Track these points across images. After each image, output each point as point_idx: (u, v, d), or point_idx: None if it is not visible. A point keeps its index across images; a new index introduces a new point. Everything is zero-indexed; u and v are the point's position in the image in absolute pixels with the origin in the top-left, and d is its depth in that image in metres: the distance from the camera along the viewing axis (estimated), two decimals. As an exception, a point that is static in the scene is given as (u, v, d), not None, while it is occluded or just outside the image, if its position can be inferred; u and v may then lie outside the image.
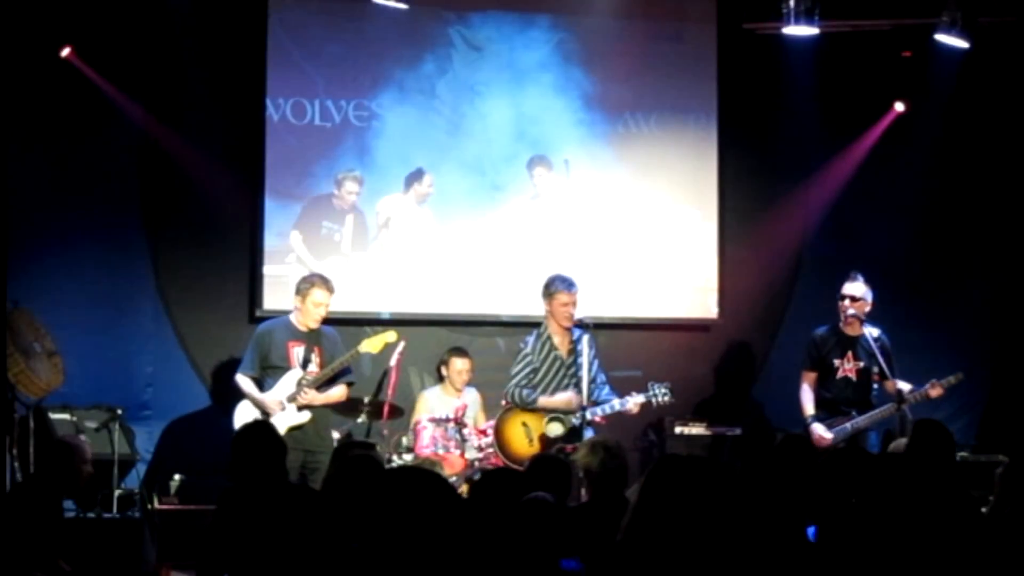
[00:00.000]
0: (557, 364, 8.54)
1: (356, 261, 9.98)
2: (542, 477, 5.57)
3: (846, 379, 8.79)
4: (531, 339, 8.61)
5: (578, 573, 4.53)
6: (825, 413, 8.73)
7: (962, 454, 9.43)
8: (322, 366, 8.36)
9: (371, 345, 8.55)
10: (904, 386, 8.60)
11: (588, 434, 8.03)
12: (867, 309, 8.81)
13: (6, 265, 9.19)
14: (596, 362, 8.54)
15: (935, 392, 8.58)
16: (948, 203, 10.84)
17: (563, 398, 8.45)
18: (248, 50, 9.77)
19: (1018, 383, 10.65)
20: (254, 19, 9.77)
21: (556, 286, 8.56)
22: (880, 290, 10.17)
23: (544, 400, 8.48)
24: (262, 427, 5.83)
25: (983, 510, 5.47)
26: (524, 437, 8.48)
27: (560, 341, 8.57)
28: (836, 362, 8.80)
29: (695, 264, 10.48)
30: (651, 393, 8.40)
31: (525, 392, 8.50)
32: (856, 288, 8.81)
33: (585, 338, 8.40)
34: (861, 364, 8.76)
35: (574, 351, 8.51)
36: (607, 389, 8.57)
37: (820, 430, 8.61)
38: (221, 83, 9.71)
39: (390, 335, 8.62)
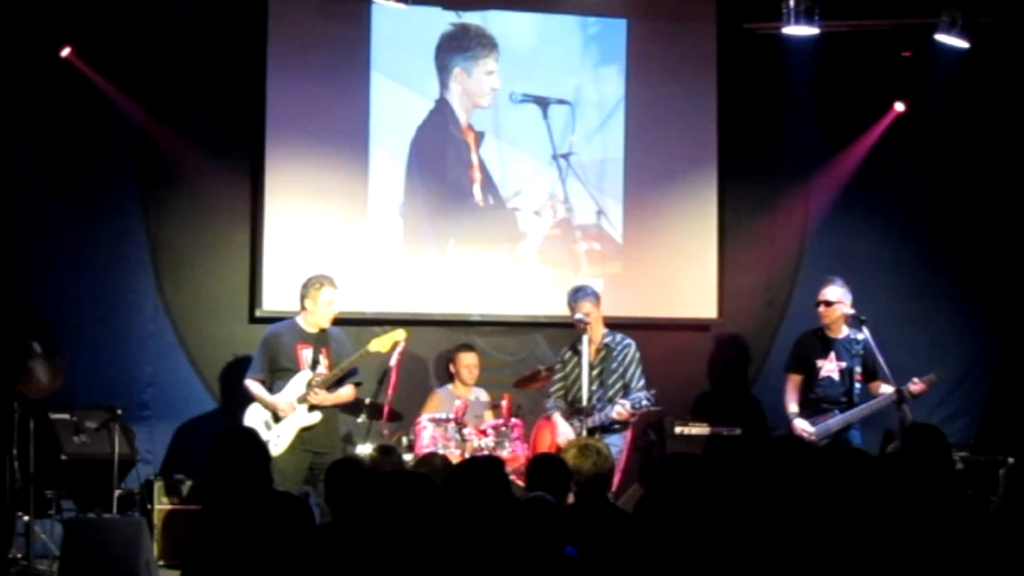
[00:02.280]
0: (586, 369, 8.64)
1: (356, 261, 9.97)
2: (541, 477, 5.57)
3: (829, 379, 8.95)
4: (566, 348, 8.89)
5: (576, 561, 4.54)
6: (809, 412, 8.90)
7: (962, 454, 9.46)
8: (331, 367, 8.43)
9: (380, 344, 8.58)
10: (887, 388, 8.77)
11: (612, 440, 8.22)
12: (844, 311, 8.93)
13: (6, 265, 9.21)
14: (636, 371, 8.68)
15: (916, 388, 8.68)
16: (948, 203, 10.84)
17: (565, 430, 8.65)
18: (248, 50, 9.77)
19: (1018, 383, 10.65)
20: (254, 19, 9.76)
21: (570, 297, 8.78)
22: (880, 290, 10.21)
23: (556, 418, 8.75)
24: (243, 433, 5.84)
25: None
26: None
27: (590, 346, 8.68)
28: (819, 363, 8.96)
29: (695, 264, 10.48)
30: (634, 399, 8.50)
31: (549, 404, 8.86)
32: (831, 292, 8.97)
33: (616, 347, 8.69)
34: (843, 364, 8.93)
35: (607, 357, 8.69)
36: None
37: (802, 424, 8.79)
38: (221, 83, 9.71)
39: (399, 333, 8.64)
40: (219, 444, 5.59)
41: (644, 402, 8.46)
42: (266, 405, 8.37)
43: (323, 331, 8.48)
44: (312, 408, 8.36)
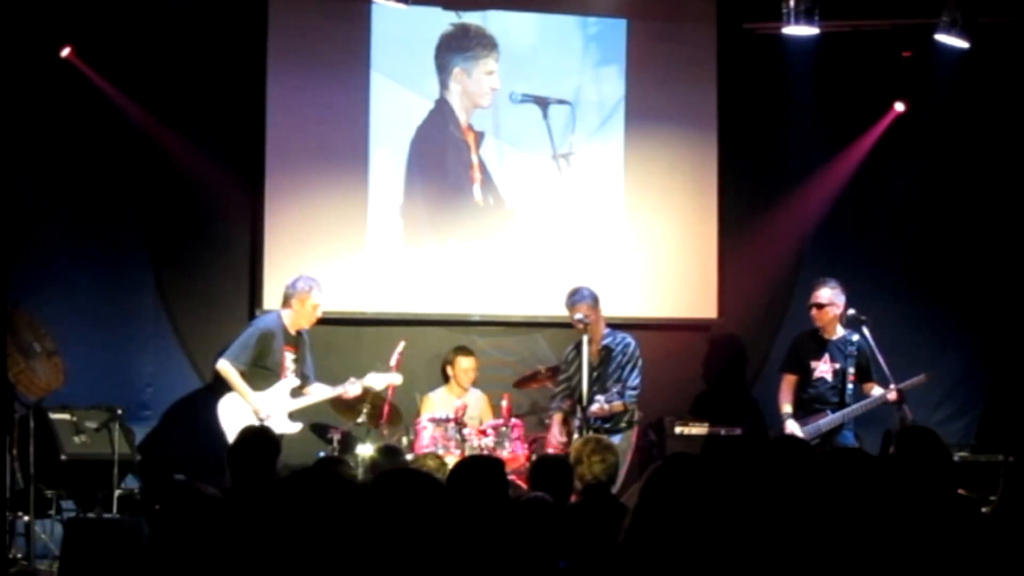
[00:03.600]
0: (586, 368, 8.65)
1: (356, 261, 9.98)
2: (542, 477, 5.58)
3: (822, 379, 9.06)
4: (570, 348, 8.95)
5: (567, 572, 4.54)
6: (802, 412, 8.99)
7: (962, 454, 9.47)
8: (299, 365, 8.70)
9: (375, 381, 8.71)
10: (879, 390, 8.89)
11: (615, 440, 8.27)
12: (837, 312, 9.03)
13: (6, 265, 9.20)
14: (631, 368, 8.76)
15: (895, 394, 8.81)
16: (948, 203, 10.84)
17: (555, 435, 8.91)
18: (248, 50, 9.77)
19: (1018, 383, 10.65)
20: (254, 19, 9.76)
21: (567, 300, 8.87)
22: (880, 290, 10.21)
23: (555, 418, 8.96)
24: (261, 433, 5.84)
25: (984, 510, 5.45)
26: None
27: (590, 347, 8.70)
28: (813, 363, 9.07)
29: (695, 264, 10.48)
30: (608, 395, 8.57)
31: (553, 405, 9.02)
32: (822, 295, 9.08)
33: (618, 346, 8.81)
34: (837, 365, 9.03)
35: (607, 359, 8.77)
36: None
37: (792, 426, 8.85)
38: (221, 83, 9.71)
39: (395, 378, 8.73)
40: (238, 442, 5.60)
41: (616, 399, 8.52)
42: (246, 401, 8.47)
43: (299, 332, 8.63)
44: (293, 419, 8.60)
